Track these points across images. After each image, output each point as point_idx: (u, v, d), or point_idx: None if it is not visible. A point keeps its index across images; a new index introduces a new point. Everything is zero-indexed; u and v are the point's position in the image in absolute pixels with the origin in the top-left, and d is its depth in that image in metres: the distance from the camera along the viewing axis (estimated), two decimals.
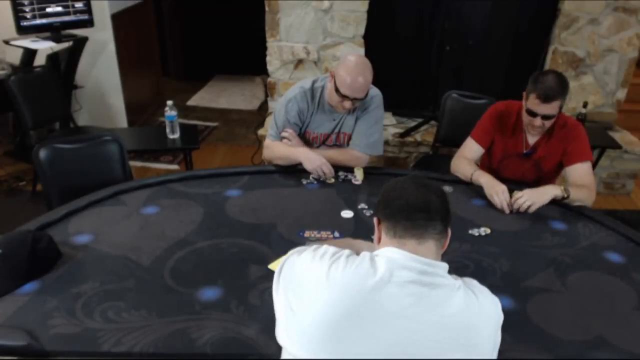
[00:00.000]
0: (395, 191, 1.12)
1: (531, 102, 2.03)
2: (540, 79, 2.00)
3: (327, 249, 1.12)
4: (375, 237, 1.17)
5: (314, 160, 2.14)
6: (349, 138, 2.30)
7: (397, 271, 1.03)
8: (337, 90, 2.07)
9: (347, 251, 1.12)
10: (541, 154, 2.19)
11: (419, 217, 1.07)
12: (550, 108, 2.00)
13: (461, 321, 1.01)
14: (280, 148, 2.24)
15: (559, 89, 1.99)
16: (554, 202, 1.96)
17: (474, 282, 1.12)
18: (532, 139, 2.19)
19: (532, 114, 2.04)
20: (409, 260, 1.04)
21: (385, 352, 0.98)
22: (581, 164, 2.09)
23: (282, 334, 1.09)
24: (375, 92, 2.25)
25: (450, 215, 1.11)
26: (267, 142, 2.30)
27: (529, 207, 1.92)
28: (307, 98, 2.22)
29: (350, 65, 2.05)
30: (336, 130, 2.29)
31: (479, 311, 1.04)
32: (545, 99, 1.98)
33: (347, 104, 2.10)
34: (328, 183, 2.14)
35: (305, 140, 2.31)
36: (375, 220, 1.16)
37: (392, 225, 1.09)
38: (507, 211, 1.96)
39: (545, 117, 2.03)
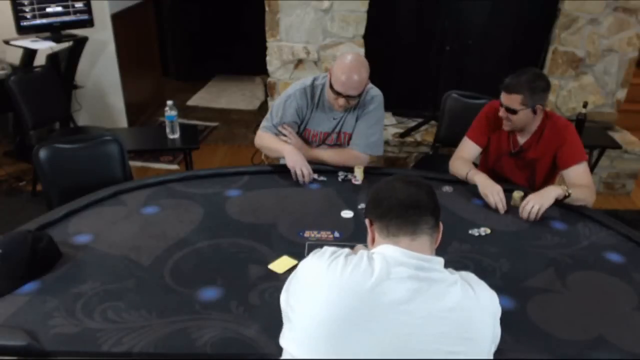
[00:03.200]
0: (384, 191, 1.13)
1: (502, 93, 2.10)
2: (515, 73, 2.07)
3: (326, 249, 1.13)
4: (368, 238, 1.17)
5: (296, 159, 2.12)
6: (350, 138, 2.30)
7: (394, 268, 1.03)
8: (331, 86, 2.08)
9: (346, 250, 1.12)
10: (532, 155, 2.19)
11: (411, 214, 1.08)
12: (509, 99, 2.04)
13: (459, 315, 1.02)
14: (269, 139, 2.25)
15: (523, 84, 2.01)
16: (557, 201, 1.95)
17: (470, 276, 1.13)
18: (521, 139, 2.19)
19: (501, 104, 2.10)
20: (404, 256, 1.05)
21: (385, 349, 0.99)
22: (577, 165, 2.08)
23: (285, 335, 1.09)
24: (376, 92, 2.25)
25: (439, 209, 1.13)
26: (260, 132, 2.30)
27: (537, 211, 1.90)
28: (306, 95, 2.22)
29: (346, 62, 2.05)
30: (337, 130, 2.29)
31: (476, 304, 1.05)
32: (505, 88, 2.05)
33: (341, 101, 2.09)
34: (328, 183, 2.13)
35: (305, 139, 2.31)
36: (367, 222, 1.17)
37: (385, 225, 1.10)
38: (502, 211, 1.96)
39: (508, 110, 2.06)
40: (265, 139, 2.27)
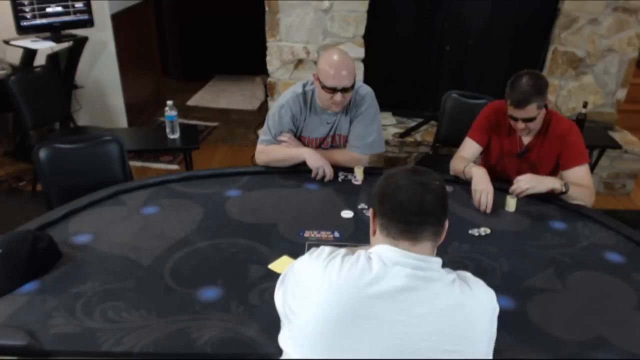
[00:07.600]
0: (390, 187, 1.09)
1: (509, 107, 2.03)
2: (514, 83, 1.99)
3: (324, 249, 1.12)
4: (370, 229, 1.16)
5: (318, 159, 2.14)
6: (345, 140, 2.28)
7: (392, 268, 1.03)
8: (323, 87, 2.04)
9: (343, 250, 1.11)
10: (536, 155, 2.19)
11: (413, 221, 1.05)
12: (526, 112, 2.00)
13: (456, 313, 1.02)
14: (279, 150, 2.22)
15: (532, 92, 1.96)
16: (553, 196, 1.95)
17: (467, 275, 1.12)
18: (526, 139, 2.19)
19: (513, 118, 2.05)
20: (402, 256, 1.05)
21: (381, 348, 0.99)
22: (579, 167, 2.08)
23: (284, 336, 1.09)
24: (365, 90, 2.22)
25: (446, 212, 1.10)
26: (262, 147, 2.26)
27: (525, 190, 1.92)
28: (299, 102, 2.20)
29: (329, 57, 2.04)
30: (331, 134, 2.28)
31: (473, 303, 1.04)
32: (518, 104, 1.98)
33: (338, 98, 2.05)
34: (328, 183, 2.13)
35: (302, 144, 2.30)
36: (371, 211, 1.14)
37: (386, 225, 1.08)
38: (487, 211, 1.95)
39: (525, 120, 2.03)
40: (272, 151, 2.23)
